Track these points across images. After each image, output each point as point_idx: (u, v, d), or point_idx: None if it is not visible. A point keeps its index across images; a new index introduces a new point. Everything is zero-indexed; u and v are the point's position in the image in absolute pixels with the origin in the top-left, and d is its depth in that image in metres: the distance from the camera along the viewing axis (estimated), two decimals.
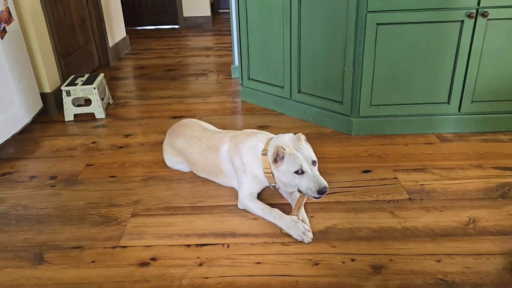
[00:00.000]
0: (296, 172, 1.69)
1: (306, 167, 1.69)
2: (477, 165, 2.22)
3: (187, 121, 2.31)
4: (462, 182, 2.07)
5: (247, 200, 1.88)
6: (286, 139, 1.80)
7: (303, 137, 1.81)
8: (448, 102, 2.50)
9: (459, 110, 2.52)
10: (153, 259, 1.63)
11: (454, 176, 2.12)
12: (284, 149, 1.71)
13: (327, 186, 1.66)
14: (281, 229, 1.76)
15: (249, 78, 3.14)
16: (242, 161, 1.90)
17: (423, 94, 2.49)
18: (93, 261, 1.62)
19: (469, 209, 1.87)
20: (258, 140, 1.90)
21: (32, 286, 1.51)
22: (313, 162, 1.73)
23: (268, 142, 1.85)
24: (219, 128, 2.36)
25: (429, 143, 2.47)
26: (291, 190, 1.88)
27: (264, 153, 1.82)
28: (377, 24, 2.31)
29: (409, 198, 1.96)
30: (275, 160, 1.74)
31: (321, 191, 1.65)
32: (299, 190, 1.74)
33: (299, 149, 1.73)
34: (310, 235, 1.70)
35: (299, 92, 2.82)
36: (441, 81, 2.45)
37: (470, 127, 2.57)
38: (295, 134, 1.84)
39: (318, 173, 1.71)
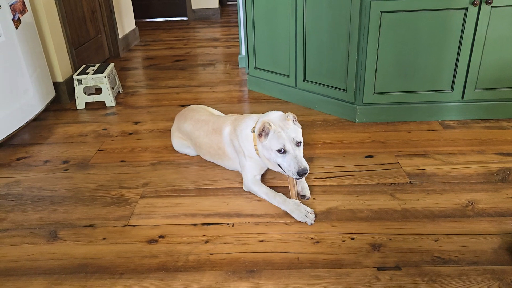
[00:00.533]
0: (279, 151, 1.75)
1: (289, 147, 1.74)
2: (479, 150, 2.26)
3: (195, 106, 2.38)
4: (463, 166, 2.11)
5: (252, 183, 1.94)
6: (273, 116, 1.85)
7: (291, 116, 1.84)
8: (452, 90, 2.53)
9: (462, 98, 2.55)
10: (161, 236, 1.70)
11: (455, 161, 2.16)
12: (270, 125, 1.77)
13: (307, 168, 1.72)
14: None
15: (255, 67, 3.20)
16: (240, 144, 1.97)
17: (426, 82, 2.52)
18: (104, 238, 1.71)
19: (469, 192, 1.91)
20: (250, 119, 1.96)
21: (47, 260, 1.60)
22: (298, 143, 1.78)
23: (258, 120, 1.90)
24: None
25: (432, 130, 2.51)
26: (274, 169, 1.91)
27: (253, 130, 1.88)
28: (381, 11, 2.35)
29: (410, 181, 2.01)
30: (260, 135, 1.80)
31: (300, 173, 1.71)
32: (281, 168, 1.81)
33: (285, 128, 1.78)
34: (312, 217, 1.75)
35: (304, 80, 2.87)
36: (444, 69, 2.48)
37: (474, 114, 2.60)
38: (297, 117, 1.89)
39: (301, 154, 1.77)
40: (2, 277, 1.53)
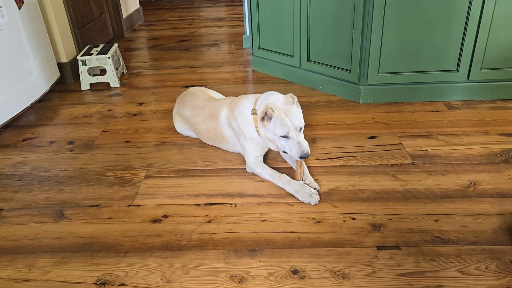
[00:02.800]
0: (282, 136, 1.76)
1: (292, 134, 1.75)
2: (483, 131, 2.25)
3: (194, 90, 2.37)
4: (466, 147, 2.11)
5: (255, 164, 1.96)
6: (275, 99, 1.81)
7: (295, 99, 1.82)
8: (457, 70, 2.51)
9: (468, 78, 2.52)
10: (165, 216, 1.73)
11: (459, 142, 2.16)
12: (273, 110, 1.75)
13: (309, 152, 1.75)
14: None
15: (259, 48, 3.17)
16: (239, 125, 1.97)
17: (431, 62, 2.50)
18: (109, 218, 1.74)
19: (471, 173, 1.91)
20: (247, 101, 1.95)
21: (54, 239, 1.64)
22: (300, 129, 1.79)
23: (257, 100, 1.90)
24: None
25: (436, 111, 2.49)
26: (275, 149, 1.92)
27: (254, 113, 1.87)
28: None
29: (412, 162, 2.01)
30: (263, 119, 1.80)
31: (302, 157, 1.74)
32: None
33: (289, 114, 1.76)
34: (317, 197, 1.77)
35: (308, 60, 2.85)
36: (450, 48, 2.45)
37: (479, 94, 2.57)
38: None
39: (303, 138, 1.78)
40: (11, 255, 1.57)
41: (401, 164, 2.00)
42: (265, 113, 1.78)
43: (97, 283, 1.43)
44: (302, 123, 1.80)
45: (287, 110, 1.77)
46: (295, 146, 1.74)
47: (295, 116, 1.77)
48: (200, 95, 2.28)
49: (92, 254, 1.55)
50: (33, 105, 2.70)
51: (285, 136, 1.76)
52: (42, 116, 2.71)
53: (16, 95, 2.52)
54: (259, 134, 1.91)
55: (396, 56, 2.49)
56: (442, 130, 2.28)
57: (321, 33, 2.69)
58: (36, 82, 2.73)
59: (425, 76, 2.54)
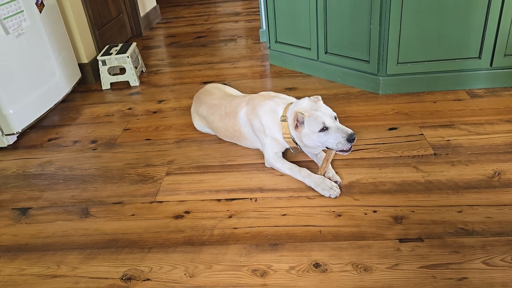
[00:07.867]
0: (321, 130, 1.73)
1: (329, 122, 1.73)
2: (508, 119, 2.19)
3: (210, 87, 2.38)
4: (490, 136, 2.06)
5: (274, 160, 1.96)
6: (304, 104, 1.84)
7: (319, 97, 1.86)
8: (479, 57, 2.44)
9: (491, 65, 2.46)
10: (187, 212, 1.76)
11: (482, 131, 2.11)
12: (302, 114, 1.76)
13: (354, 133, 1.69)
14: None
15: (276, 41, 3.16)
16: (261, 123, 1.97)
17: (452, 50, 2.44)
18: (132, 215, 1.78)
19: (495, 162, 1.87)
20: (277, 104, 1.94)
21: (81, 236, 1.69)
22: (335, 118, 1.78)
23: (287, 107, 1.89)
24: (249, 92, 2.41)
25: (458, 100, 2.44)
26: (316, 152, 1.94)
27: (283, 119, 1.87)
28: None
29: (434, 153, 1.98)
30: (296, 126, 1.80)
31: (349, 139, 1.68)
32: (327, 148, 1.79)
33: (318, 109, 1.78)
34: (338, 190, 1.77)
35: (326, 53, 2.83)
36: (471, 35, 2.39)
37: (503, 82, 2.50)
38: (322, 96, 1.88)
39: (341, 124, 1.76)
40: (40, 252, 1.63)
41: (422, 155, 1.97)
42: (297, 120, 1.78)
43: (123, 278, 1.47)
44: (334, 113, 1.79)
45: (315, 108, 1.79)
46: (337, 132, 1.70)
47: (324, 107, 1.79)
48: (216, 92, 2.29)
49: (117, 250, 1.59)
50: (56, 106, 2.76)
51: (324, 129, 1.72)
52: (65, 116, 2.78)
53: (40, 96, 2.59)
54: (285, 140, 1.92)
55: (416, 45, 2.44)
56: (465, 119, 2.23)
57: (338, 24, 2.66)
58: (58, 83, 2.79)
59: (446, 65, 2.48)
